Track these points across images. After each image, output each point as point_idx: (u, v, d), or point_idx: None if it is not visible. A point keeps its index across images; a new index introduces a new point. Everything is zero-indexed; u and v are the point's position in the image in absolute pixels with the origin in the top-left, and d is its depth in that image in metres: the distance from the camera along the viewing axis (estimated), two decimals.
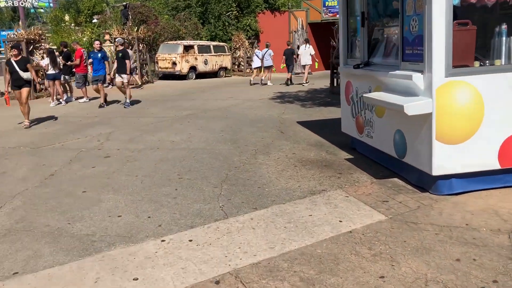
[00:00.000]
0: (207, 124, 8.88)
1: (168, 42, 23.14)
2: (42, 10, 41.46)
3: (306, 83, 17.25)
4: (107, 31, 23.16)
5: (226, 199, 4.48)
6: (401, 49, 4.54)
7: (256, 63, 18.08)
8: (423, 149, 4.24)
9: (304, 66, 18.18)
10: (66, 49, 13.84)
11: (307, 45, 18.15)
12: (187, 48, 22.42)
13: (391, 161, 5.04)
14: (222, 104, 12.00)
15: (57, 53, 13.63)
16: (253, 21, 28.17)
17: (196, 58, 22.48)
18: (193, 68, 22.43)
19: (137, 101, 12.99)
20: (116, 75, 12.41)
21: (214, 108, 11.19)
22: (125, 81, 11.99)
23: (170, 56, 21.74)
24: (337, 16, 29.35)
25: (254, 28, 28.12)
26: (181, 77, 22.08)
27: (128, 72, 11.94)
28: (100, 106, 12.09)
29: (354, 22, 5.92)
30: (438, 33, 3.92)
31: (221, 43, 25.37)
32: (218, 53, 23.97)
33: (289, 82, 17.07)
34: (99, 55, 12.36)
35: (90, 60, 12.59)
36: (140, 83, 18.21)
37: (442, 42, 3.93)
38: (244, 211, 4.13)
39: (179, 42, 22.55)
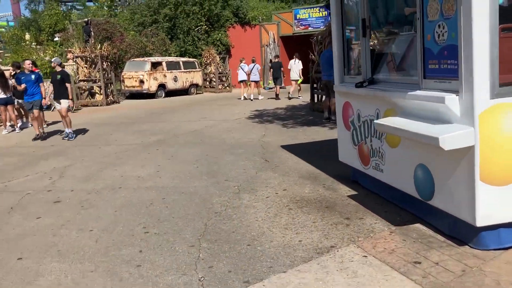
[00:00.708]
0: (179, 152, 7.77)
1: (135, 59, 21.94)
2: (3, 30, 39.57)
3: (299, 97, 17.27)
4: (69, 49, 21.78)
5: (206, 266, 3.39)
6: (422, 63, 3.59)
7: (241, 76, 17.85)
8: (460, 191, 3.27)
9: (292, 81, 17.70)
10: (19, 70, 12.49)
11: (296, 59, 17.58)
12: (155, 65, 21.27)
13: (410, 202, 4.06)
14: (195, 126, 10.91)
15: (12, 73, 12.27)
16: (224, 35, 27.29)
17: (165, 75, 21.34)
18: (162, 86, 21.27)
19: (100, 126, 11.77)
20: (56, 102, 10.66)
21: (186, 132, 10.09)
22: (65, 106, 9.97)
23: (137, 74, 20.53)
24: (309, 28, 28.92)
25: (225, 42, 27.23)
26: (150, 95, 20.88)
27: (70, 97, 10.08)
28: (35, 138, 10.05)
29: (352, 31, 4.99)
30: (480, 41, 2.98)
31: (191, 59, 24.33)
32: (188, 70, 22.90)
33: (279, 96, 17.11)
34: (33, 76, 10.37)
35: (24, 85, 10.35)
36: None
37: (485, 53, 3.00)
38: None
39: (146, 59, 21.39)
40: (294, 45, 29.40)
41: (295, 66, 17.51)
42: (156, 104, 17.77)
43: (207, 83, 25.52)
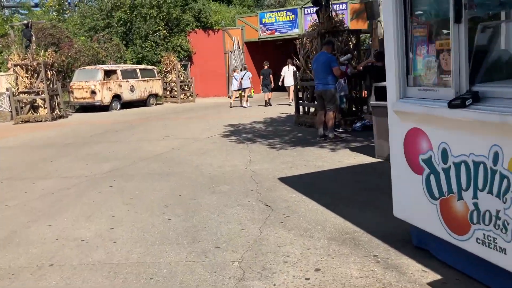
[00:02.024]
0: (141, 191, 5.72)
1: (85, 67, 19.52)
2: None
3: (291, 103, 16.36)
4: (10, 57, 19.07)
5: None
6: None
7: (234, 85, 17.74)
8: None
9: (288, 87, 17.16)
10: None
11: (290, 65, 16.99)
12: (109, 74, 18.95)
13: None
14: (159, 147, 8.83)
15: None
16: (185, 40, 25.23)
17: (120, 85, 19.04)
18: (117, 97, 18.96)
19: (40, 148, 9.47)
20: None
21: (148, 156, 8.02)
22: None
23: (87, 84, 18.15)
24: (275, 33, 27.31)
25: (186, 48, 25.17)
26: (103, 108, 18.52)
27: None
28: None
29: (422, 18, 3.16)
30: None
31: (150, 67, 22.10)
32: (146, 78, 20.67)
33: (271, 102, 17.14)
34: None
35: None
36: None
37: None
38: None
39: (98, 67, 19.04)
40: (260, 51, 27.68)
41: (289, 73, 16.85)
42: (110, 118, 15.47)
43: (168, 92, 23.35)
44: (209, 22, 25.65)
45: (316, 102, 9.55)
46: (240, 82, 17.30)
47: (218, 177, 6.17)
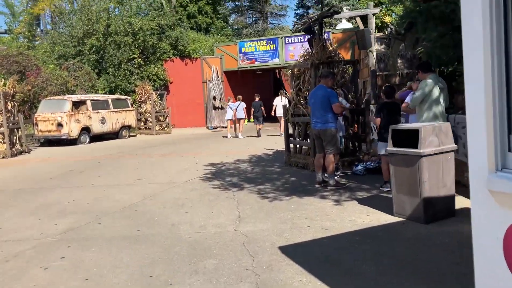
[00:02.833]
0: (100, 268, 4.36)
1: (51, 97, 18.08)
2: None
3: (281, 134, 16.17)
4: None
5: None
6: None
7: (228, 115, 17.92)
8: None
9: (280, 117, 16.86)
10: None
11: (282, 97, 17.31)
12: (77, 104, 17.55)
13: None
14: (128, 196, 7.47)
15: None
16: (161, 69, 24.09)
17: (89, 117, 17.62)
18: (86, 130, 17.51)
19: None
20: None
21: (115, 208, 6.65)
22: None
23: (54, 115, 16.69)
24: (255, 63, 26.44)
25: (162, 77, 24.00)
26: (71, 141, 17.01)
27: None
28: None
29: None
30: None
31: (123, 96, 20.78)
32: (118, 109, 19.31)
33: (261, 133, 17.31)
34: None
35: None
36: None
37: None
38: None
39: (66, 97, 17.63)
40: (240, 80, 26.73)
41: (280, 104, 16.85)
42: (77, 154, 14.00)
43: (142, 123, 21.98)
44: (187, 50, 24.63)
45: (309, 142, 8.42)
46: (234, 113, 17.47)
47: (200, 243, 4.87)
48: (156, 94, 22.05)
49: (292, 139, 9.32)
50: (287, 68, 9.20)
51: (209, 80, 24.67)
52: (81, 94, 19.93)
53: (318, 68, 8.38)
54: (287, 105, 9.52)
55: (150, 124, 21.51)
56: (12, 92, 14.48)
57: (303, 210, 5.94)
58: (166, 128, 21.91)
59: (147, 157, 12.41)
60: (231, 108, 17.75)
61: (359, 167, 8.00)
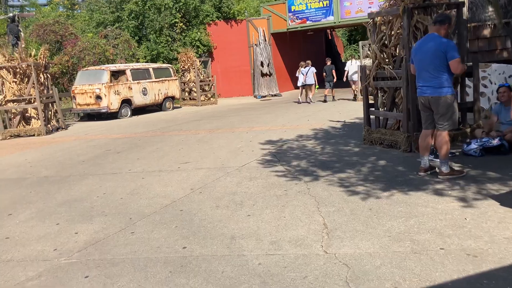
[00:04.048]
0: None
1: (89, 68, 16.75)
2: None
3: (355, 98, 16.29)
4: None
5: None
6: None
7: (300, 81, 17.23)
8: None
9: (352, 82, 16.74)
10: None
11: (353, 60, 16.89)
12: (116, 75, 16.14)
13: None
14: (171, 188, 5.85)
15: None
16: (204, 34, 22.28)
17: (130, 88, 16.21)
18: (126, 102, 16.14)
19: (1, 186, 6.59)
20: None
21: (153, 208, 5.05)
22: None
23: (91, 87, 15.37)
24: (307, 22, 24.09)
25: (206, 42, 22.23)
26: (111, 115, 15.73)
27: None
28: None
29: None
30: None
31: (164, 65, 19.22)
32: (161, 79, 17.79)
33: (327, 99, 16.91)
34: None
35: None
36: None
37: None
38: None
39: (104, 67, 16.22)
40: (289, 43, 24.56)
41: (353, 67, 16.43)
42: (116, 130, 12.62)
43: (186, 94, 20.45)
44: (232, 12, 22.63)
45: (398, 113, 6.42)
46: (304, 78, 16.86)
47: (278, 278, 3.14)
48: (199, 61, 20.36)
49: (373, 109, 7.34)
50: (368, 17, 7.11)
51: (255, 44, 22.69)
52: (120, 63, 18.53)
53: (412, 14, 6.30)
54: (366, 65, 7.46)
55: (195, 94, 19.94)
56: (43, 62, 13.16)
57: (419, 216, 4.07)
58: (211, 98, 20.30)
59: (193, 133, 10.79)
60: (303, 74, 17.05)
61: (473, 145, 5.96)
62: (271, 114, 13.82)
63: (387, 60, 6.93)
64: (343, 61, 32.33)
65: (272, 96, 22.42)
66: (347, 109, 13.39)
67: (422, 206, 4.32)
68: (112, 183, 6.46)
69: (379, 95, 7.21)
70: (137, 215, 4.90)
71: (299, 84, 17.31)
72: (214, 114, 15.46)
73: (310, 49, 28.30)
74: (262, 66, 22.59)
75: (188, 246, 3.90)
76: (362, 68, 7.34)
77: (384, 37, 6.90)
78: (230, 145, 8.62)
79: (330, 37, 33.48)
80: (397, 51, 6.74)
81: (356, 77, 15.93)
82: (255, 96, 22.50)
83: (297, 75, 17.50)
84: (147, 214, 4.88)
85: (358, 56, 18.79)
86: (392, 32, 6.77)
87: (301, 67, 17.20)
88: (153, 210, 5.02)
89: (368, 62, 19.52)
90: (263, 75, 22.55)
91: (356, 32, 40.39)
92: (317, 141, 8.18)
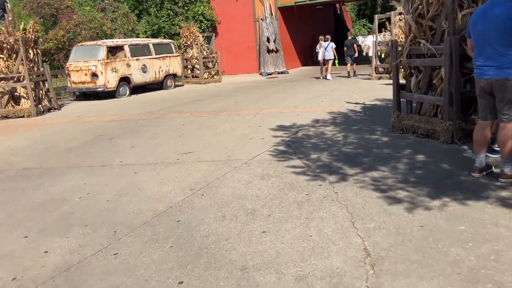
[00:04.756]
0: None
1: (83, 43, 15.65)
2: None
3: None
4: None
5: None
6: None
7: (320, 55, 16.65)
8: None
9: (371, 57, 15.80)
10: None
11: (374, 35, 15.61)
12: (114, 51, 15.05)
13: None
14: (168, 187, 4.87)
15: None
16: (207, 8, 21.03)
17: (128, 65, 15.13)
18: (125, 80, 15.09)
19: None
20: None
21: (144, 217, 4.07)
22: None
23: (87, 64, 14.32)
24: None
25: (209, 17, 21.00)
26: (108, 94, 14.72)
27: None
28: None
29: None
30: None
31: (165, 40, 18.08)
32: (162, 55, 16.68)
33: (351, 74, 16.47)
34: None
35: None
36: None
37: None
38: None
39: (99, 42, 15.12)
40: (297, 18, 23.28)
41: (372, 43, 15.46)
42: (112, 111, 11.62)
43: (189, 71, 19.34)
44: None
45: (436, 97, 5.37)
46: (323, 54, 16.40)
47: None
48: (202, 36, 19.17)
49: (405, 92, 6.27)
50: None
51: (261, 19, 21.45)
52: (118, 38, 17.38)
53: None
54: (397, 41, 6.35)
55: (198, 71, 18.82)
56: (33, 37, 12.07)
57: (492, 241, 3.07)
58: (215, 76, 19.19)
59: (195, 115, 9.77)
60: (322, 48, 16.60)
61: None
62: (279, 93, 12.75)
63: (423, 34, 5.82)
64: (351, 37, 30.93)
65: (279, 73, 21.29)
66: (364, 89, 12.30)
67: (491, 224, 3.32)
68: (99, 178, 5.49)
69: (412, 76, 6.12)
70: (123, 226, 3.94)
71: (319, 58, 16.79)
72: (218, 93, 14.40)
73: (319, 24, 26.99)
74: (269, 42, 21.39)
75: (185, 281, 2.93)
76: (393, 44, 6.23)
77: (420, 6, 5.79)
78: (236, 131, 7.61)
79: (339, 12, 32.01)
80: (437, 23, 5.63)
81: (371, 53, 15.34)
82: (260, 74, 21.38)
83: (316, 50, 17.01)
84: (136, 226, 3.91)
85: (368, 31, 17.99)
86: (431, 0, 5.65)
87: (321, 41, 16.57)
88: (144, 219, 4.05)
89: (381, 38, 18.88)
90: (269, 51, 21.37)
91: (365, 7, 38.80)
92: (337, 128, 7.14)
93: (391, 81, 6.43)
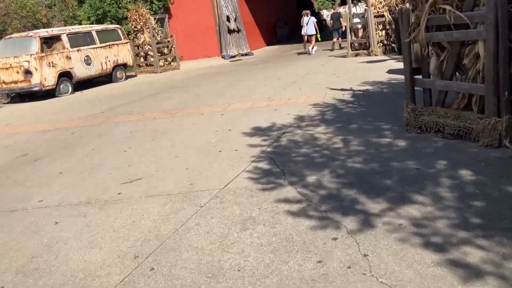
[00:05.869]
0: None
1: (12, 35, 13.38)
2: None
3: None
4: None
5: None
6: None
7: (303, 30, 16.43)
8: None
9: (357, 29, 14.46)
10: None
11: (357, 6, 14.48)
12: (49, 42, 12.91)
13: None
14: (99, 253, 3.14)
15: None
16: None
17: (68, 57, 13.03)
18: (66, 75, 13.00)
19: None
20: None
21: None
22: None
23: (18, 60, 12.15)
24: None
25: None
26: (47, 93, 12.63)
27: None
28: None
29: None
30: None
31: (111, 26, 15.88)
32: (108, 43, 14.57)
33: (335, 47, 16.09)
34: None
35: None
36: None
37: None
38: None
39: (31, 33, 12.91)
40: None
41: (357, 14, 13.99)
42: (48, 116, 9.62)
43: (142, 59, 17.27)
44: None
45: (470, 84, 3.82)
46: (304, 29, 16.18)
47: None
48: (154, 19, 17.06)
49: (421, 77, 4.68)
50: None
51: None
52: (55, 28, 15.11)
53: None
54: (409, 9, 4.70)
55: (152, 59, 16.78)
56: None
57: None
58: (172, 63, 17.20)
59: (147, 118, 7.93)
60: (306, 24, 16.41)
61: None
62: (247, 80, 11.03)
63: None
64: (316, 11, 29.23)
65: (243, 55, 19.47)
66: (343, 69, 10.71)
67: None
68: (1, 235, 3.71)
69: (432, 56, 4.53)
70: None
71: (302, 33, 16.56)
72: (176, 83, 12.54)
73: (281, 1, 25.24)
74: (229, 21, 19.45)
75: None
76: (405, 13, 4.59)
77: None
78: (200, 139, 5.88)
79: None
80: None
81: (360, 25, 13.90)
82: (223, 57, 19.50)
83: (302, 24, 16.59)
84: None
85: (333, 2, 16.67)
86: None
87: (304, 16, 16.40)
88: None
89: (342, 10, 17.78)
90: (230, 31, 19.46)
91: None
92: (330, 128, 5.50)
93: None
